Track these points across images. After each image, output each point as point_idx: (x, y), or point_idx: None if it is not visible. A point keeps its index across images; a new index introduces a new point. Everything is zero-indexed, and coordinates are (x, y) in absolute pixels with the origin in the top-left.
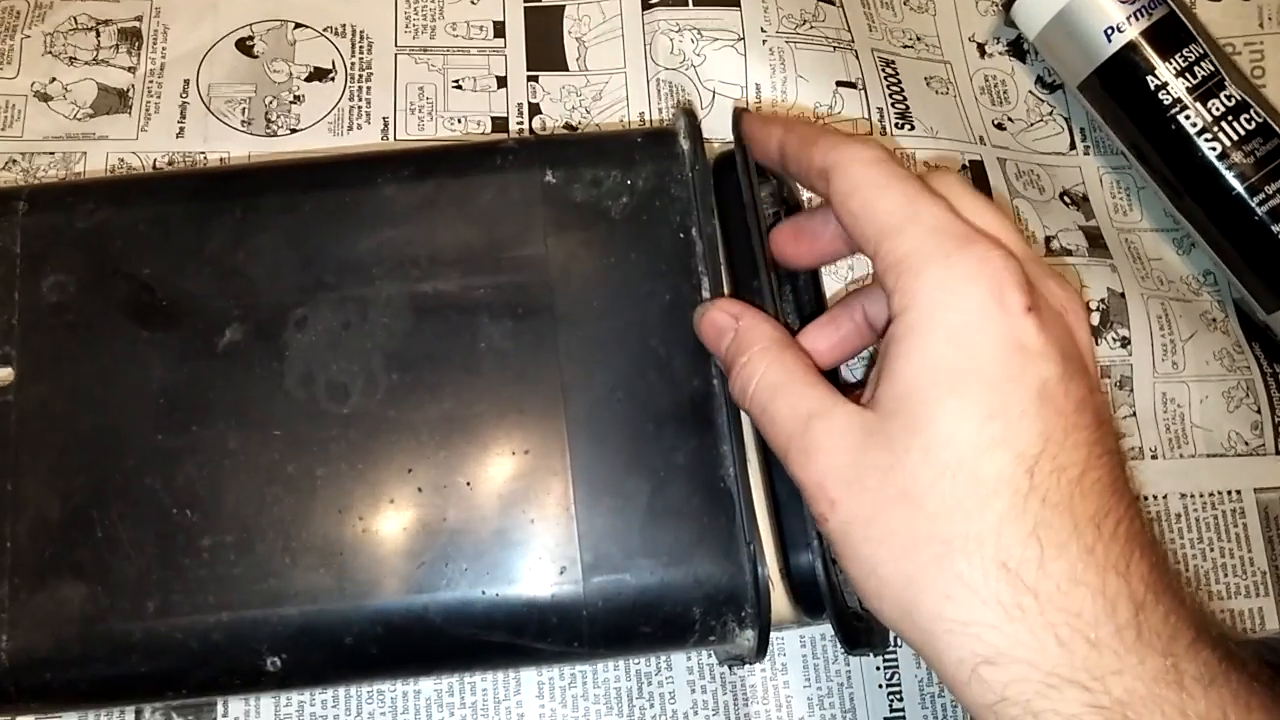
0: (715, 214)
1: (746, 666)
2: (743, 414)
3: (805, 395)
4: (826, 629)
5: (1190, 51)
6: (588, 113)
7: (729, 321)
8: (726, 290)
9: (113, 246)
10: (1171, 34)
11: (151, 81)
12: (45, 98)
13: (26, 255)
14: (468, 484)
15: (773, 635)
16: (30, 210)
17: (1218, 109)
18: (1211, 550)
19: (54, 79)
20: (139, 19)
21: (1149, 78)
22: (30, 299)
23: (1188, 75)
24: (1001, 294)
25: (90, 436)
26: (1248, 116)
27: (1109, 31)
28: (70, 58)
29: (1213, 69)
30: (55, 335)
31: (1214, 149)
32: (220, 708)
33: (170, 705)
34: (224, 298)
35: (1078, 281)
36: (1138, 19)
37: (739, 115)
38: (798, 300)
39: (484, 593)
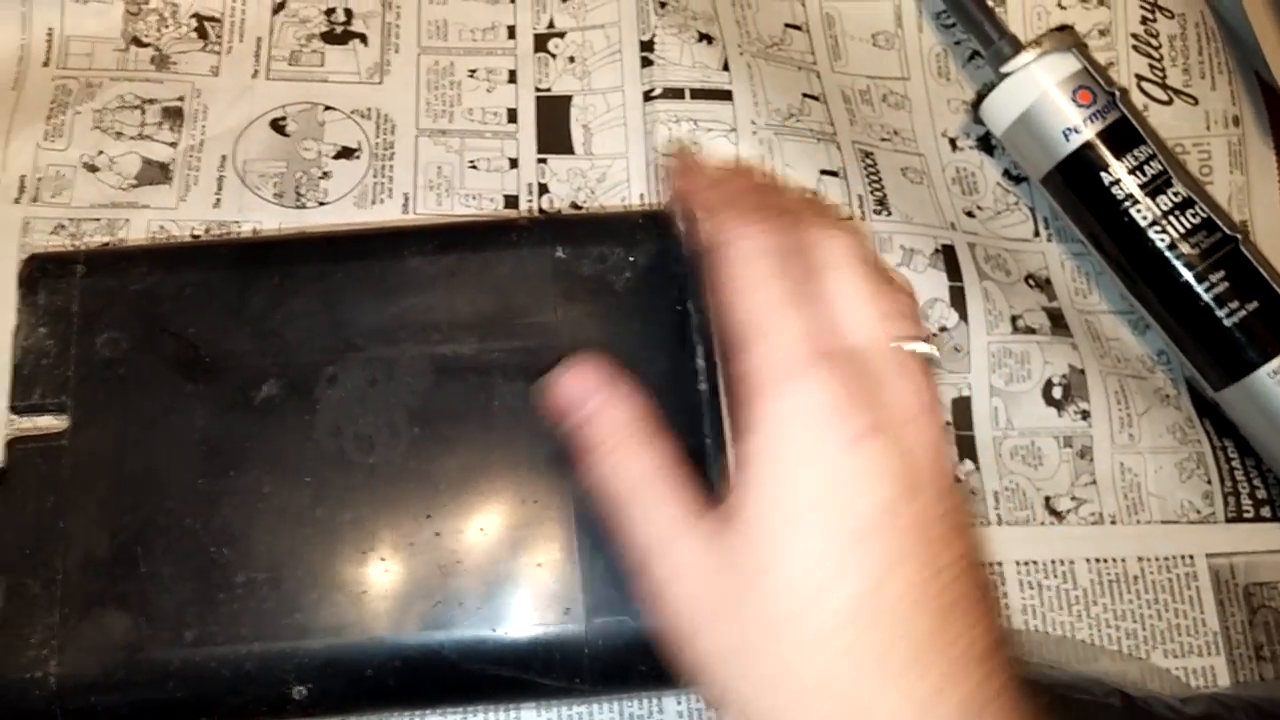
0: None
1: None
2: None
3: (659, 511)
4: None
5: (1140, 152)
6: (592, 193)
7: (582, 396)
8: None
9: (161, 307)
10: (1124, 136)
11: (191, 156)
12: (93, 169)
13: (83, 314)
14: (481, 530)
15: None
16: (88, 273)
17: (1165, 204)
18: (1166, 611)
19: (101, 151)
20: (181, 99)
21: (1103, 174)
22: (85, 353)
23: (1138, 173)
24: (829, 424)
25: (137, 480)
26: (1193, 212)
27: (1067, 132)
28: (117, 132)
29: (1161, 168)
30: (107, 387)
31: (1163, 240)
32: None
33: None
34: (262, 356)
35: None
36: (1093, 121)
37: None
38: None
39: (493, 630)
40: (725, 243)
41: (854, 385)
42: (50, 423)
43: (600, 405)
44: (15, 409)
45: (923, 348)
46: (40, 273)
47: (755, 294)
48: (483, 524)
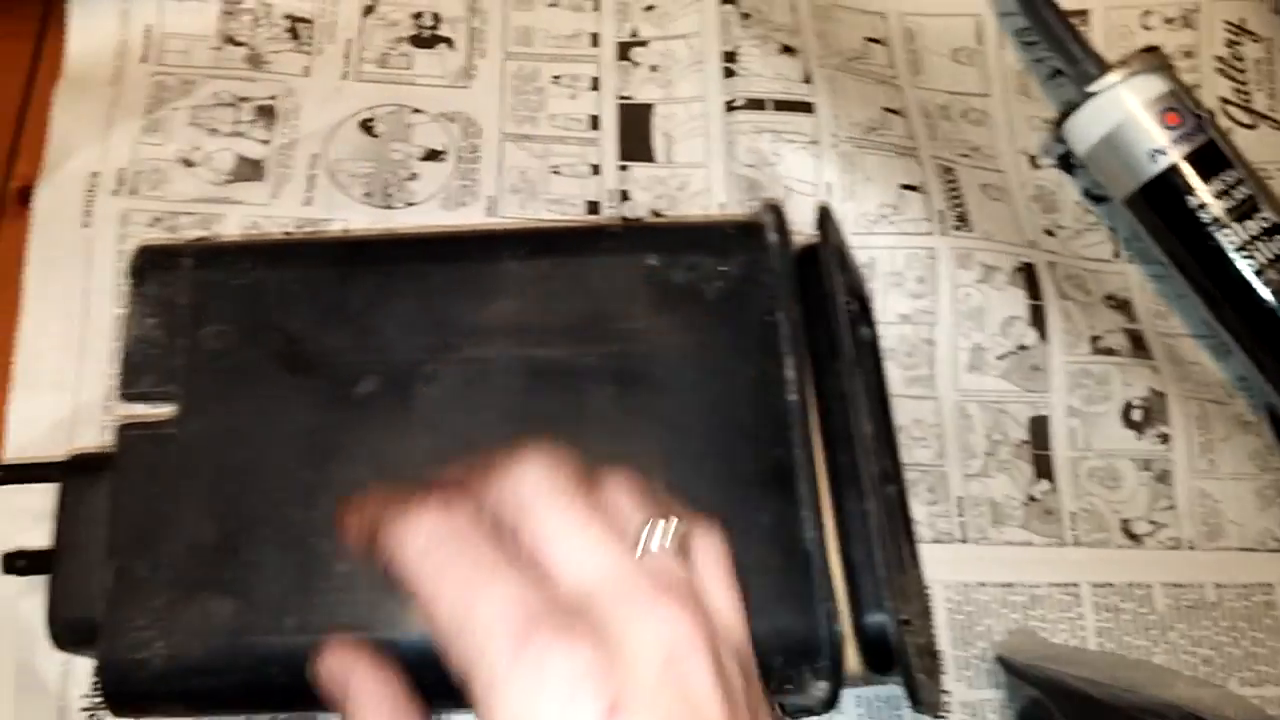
0: (799, 301)
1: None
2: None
3: None
4: (881, 691)
5: (1229, 175)
6: (673, 201)
7: (341, 676)
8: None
9: (266, 301)
10: (1212, 159)
11: (284, 154)
12: (189, 164)
13: (192, 305)
14: None
15: None
16: (197, 266)
17: (1253, 229)
18: (1244, 639)
19: (197, 147)
20: (274, 98)
21: (1189, 197)
22: (193, 344)
23: (1226, 197)
24: (573, 705)
25: (242, 469)
26: None
27: (1154, 154)
28: (212, 129)
29: (1249, 193)
30: (215, 377)
31: (1250, 265)
32: None
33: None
34: (361, 352)
35: None
36: (1181, 144)
37: (824, 213)
38: (866, 382)
39: None
40: (394, 551)
41: (580, 651)
42: (159, 410)
43: (357, 685)
44: (125, 395)
45: (668, 534)
46: (150, 264)
47: (440, 585)
48: None
